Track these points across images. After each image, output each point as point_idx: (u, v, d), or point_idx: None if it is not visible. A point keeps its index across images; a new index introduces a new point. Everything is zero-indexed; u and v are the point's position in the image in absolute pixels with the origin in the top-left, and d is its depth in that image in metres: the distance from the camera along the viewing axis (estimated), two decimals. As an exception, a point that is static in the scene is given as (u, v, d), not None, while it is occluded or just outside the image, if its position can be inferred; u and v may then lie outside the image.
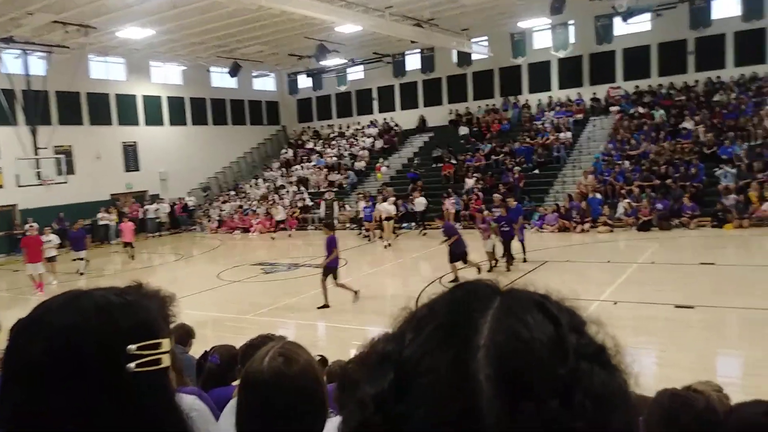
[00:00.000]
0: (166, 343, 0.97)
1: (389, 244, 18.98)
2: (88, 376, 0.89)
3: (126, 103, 28.15)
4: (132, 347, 0.91)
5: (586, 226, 18.82)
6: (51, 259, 16.40)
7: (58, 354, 0.89)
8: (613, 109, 25.98)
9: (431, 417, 0.51)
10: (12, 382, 0.91)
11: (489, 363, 0.52)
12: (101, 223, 25.25)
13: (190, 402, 1.82)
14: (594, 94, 27.10)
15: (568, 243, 17.30)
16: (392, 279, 15.07)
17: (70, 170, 23.62)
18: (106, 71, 27.58)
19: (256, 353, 2.93)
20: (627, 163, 21.69)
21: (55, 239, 16.97)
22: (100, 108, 27.04)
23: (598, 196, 19.95)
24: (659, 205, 18.34)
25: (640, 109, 24.89)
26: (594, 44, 24.84)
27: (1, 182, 23.23)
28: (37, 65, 21.94)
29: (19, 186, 20.62)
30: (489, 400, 0.50)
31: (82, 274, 17.44)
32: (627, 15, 21.54)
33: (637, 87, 26.22)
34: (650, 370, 7.74)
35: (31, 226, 17.20)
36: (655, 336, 8.92)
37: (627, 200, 19.11)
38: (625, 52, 26.52)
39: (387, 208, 19.90)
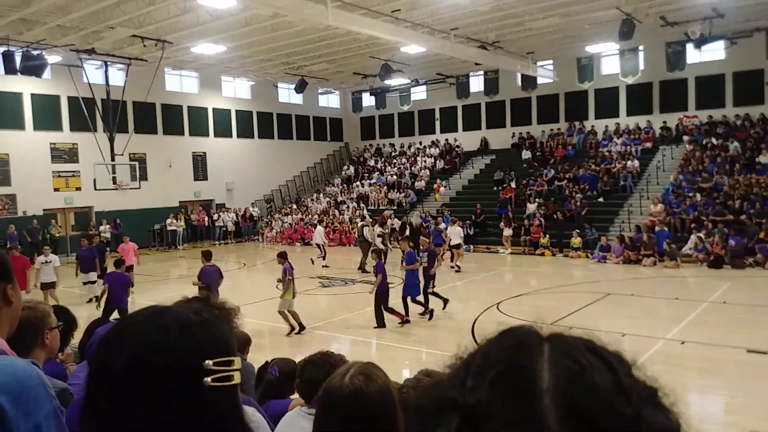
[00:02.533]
0: (237, 361, 1.01)
1: (458, 269, 18.08)
2: (168, 389, 0.93)
3: (197, 115, 29.28)
4: (209, 362, 0.95)
5: (651, 260, 18.11)
6: (48, 286, 13.22)
7: (140, 368, 0.93)
8: (685, 138, 25.06)
9: None
10: (97, 393, 0.95)
11: (557, 407, 0.54)
12: (170, 228, 26.29)
13: (249, 414, 1.86)
14: (664, 122, 26.26)
15: (633, 276, 16.71)
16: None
17: (143, 176, 24.73)
18: (180, 84, 28.82)
19: (314, 369, 2.95)
20: (699, 195, 20.84)
21: (55, 260, 13.62)
22: (173, 119, 28.25)
23: (666, 228, 19.22)
24: (732, 242, 17.46)
25: (714, 140, 23.93)
26: (665, 71, 24.14)
27: (80, 185, 24.56)
28: (116, 76, 23.12)
29: (96, 189, 21.71)
30: None
31: (91, 300, 13.95)
32: (700, 42, 20.84)
33: (710, 117, 25.25)
34: (718, 417, 7.35)
35: (15, 247, 15.01)
36: (724, 380, 8.47)
37: (699, 234, 18.29)
38: (697, 80, 25.64)
39: (456, 231, 18.83)
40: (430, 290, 12.37)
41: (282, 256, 11.57)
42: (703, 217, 19.40)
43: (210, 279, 10.95)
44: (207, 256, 11.46)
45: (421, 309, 12.04)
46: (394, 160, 33.01)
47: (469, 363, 0.63)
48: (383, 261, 11.89)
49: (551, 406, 0.54)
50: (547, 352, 0.60)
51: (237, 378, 1.00)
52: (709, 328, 10.68)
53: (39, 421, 1.32)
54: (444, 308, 12.40)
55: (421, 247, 13.65)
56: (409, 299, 11.79)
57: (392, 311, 11.45)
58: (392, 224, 22.01)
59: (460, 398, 0.58)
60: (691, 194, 21.06)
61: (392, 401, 1.75)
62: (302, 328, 11.11)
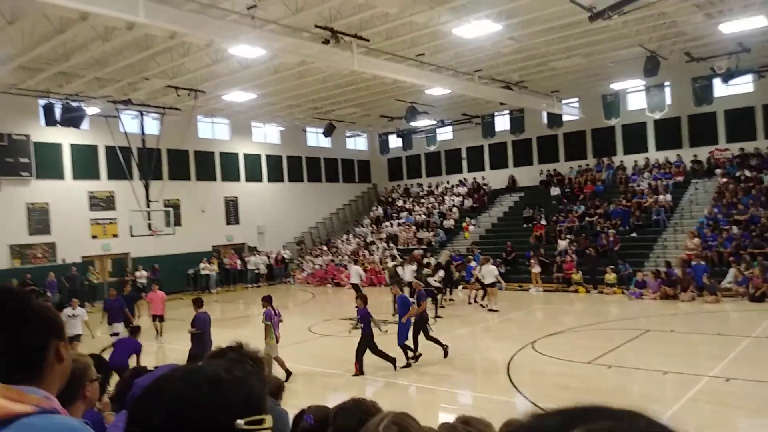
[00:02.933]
0: (269, 420, 1.02)
1: (494, 309, 17.60)
2: None
3: (229, 160, 29.96)
4: (240, 422, 0.97)
5: (689, 294, 17.67)
6: (74, 339, 13.13)
7: (174, 424, 0.95)
8: (717, 171, 24.69)
9: None
10: None
11: None
12: (203, 272, 26.63)
13: None
14: (695, 156, 25.96)
15: (672, 312, 16.30)
16: (477, 342, 14.70)
17: (177, 222, 25.23)
18: (212, 131, 29.62)
19: (346, 416, 2.95)
20: (735, 228, 20.40)
21: (82, 314, 13.75)
22: (206, 165, 28.95)
23: (702, 262, 18.80)
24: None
25: (747, 173, 23.54)
26: (692, 105, 23.99)
27: (117, 232, 25.16)
28: (152, 125, 23.91)
29: (132, 236, 22.23)
30: None
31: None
32: (727, 77, 20.74)
33: (741, 149, 24.88)
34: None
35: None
36: None
37: (738, 267, 17.82)
38: (726, 113, 25.36)
39: (490, 270, 18.13)
40: (429, 333, 11.93)
41: (266, 300, 11.47)
42: (741, 251, 18.94)
43: (203, 325, 11.11)
44: (198, 303, 11.70)
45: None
46: (422, 200, 33.14)
47: None
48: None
49: None
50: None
51: None
52: (754, 365, 10.33)
53: None
54: (445, 357, 11.86)
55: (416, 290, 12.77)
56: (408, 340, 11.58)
57: (384, 356, 11.21)
58: (427, 261, 21.73)
59: None
60: (727, 227, 20.63)
61: None
62: (288, 374, 10.85)
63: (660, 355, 11.38)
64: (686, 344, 12.43)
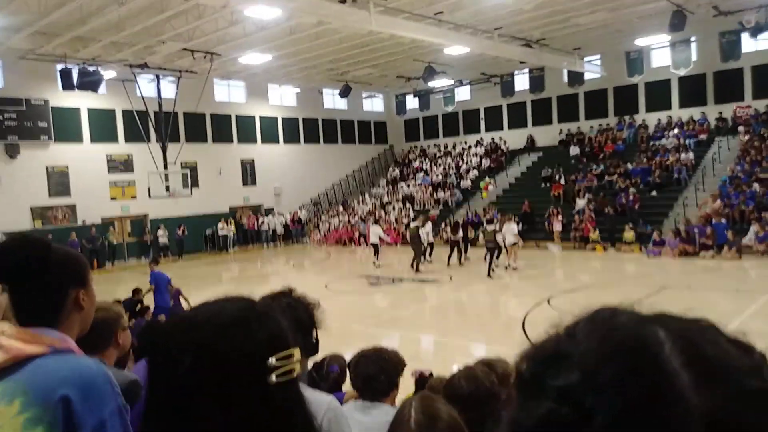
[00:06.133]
0: (296, 353, 1.01)
1: (515, 268, 17.31)
2: (234, 387, 0.94)
3: (245, 123, 29.94)
4: (272, 360, 0.96)
5: (710, 252, 17.51)
6: None
7: (205, 368, 0.94)
8: (740, 129, 24.15)
9: (626, 407, 0.51)
10: (160, 397, 0.97)
11: (679, 355, 0.53)
12: (221, 233, 26.96)
13: (328, 401, 1.85)
14: (720, 113, 25.35)
15: (689, 269, 16.18)
16: (493, 298, 14.77)
17: (195, 184, 25.42)
18: (228, 94, 29.54)
19: (368, 363, 2.98)
20: (757, 186, 20.04)
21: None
22: (223, 127, 28.97)
23: (723, 220, 18.56)
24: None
25: (773, 130, 22.98)
26: (719, 61, 23.29)
27: (135, 194, 25.48)
28: (168, 89, 23.89)
29: (150, 197, 22.51)
30: (688, 386, 0.51)
31: None
32: (756, 31, 20.01)
33: (767, 106, 24.26)
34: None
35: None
36: None
37: (760, 224, 17.58)
38: (754, 69, 24.62)
39: (510, 228, 17.39)
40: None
41: (154, 262, 11.73)
42: (764, 210, 18.63)
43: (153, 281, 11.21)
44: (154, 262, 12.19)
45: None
46: (439, 161, 32.95)
47: (572, 327, 0.61)
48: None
49: (672, 353, 0.53)
50: (651, 317, 0.60)
51: (297, 369, 1.01)
52: (772, 320, 10.27)
53: (104, 418, 1.36)
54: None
55: None
56: None
57: None
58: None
59: (575, 351, 0.57)
60: (749, 185, 20.27)
61: (461, 431, 1.76)
62: None
63: (675, 310, 11.32)
64: (703, 300, 12.35)
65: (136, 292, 10.87)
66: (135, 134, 23.90)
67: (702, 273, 15.61)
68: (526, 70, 28.56)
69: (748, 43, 22.29)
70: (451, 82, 29.63)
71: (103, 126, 24.96)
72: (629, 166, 24.53)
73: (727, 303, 12.01)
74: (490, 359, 3.59)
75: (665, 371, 0.52)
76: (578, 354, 0.56)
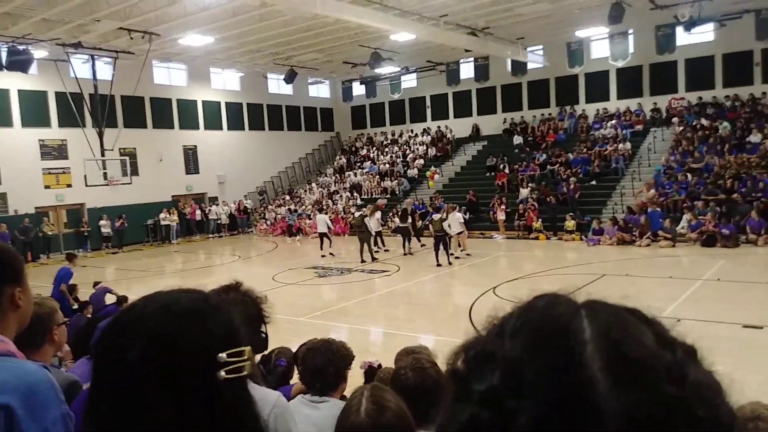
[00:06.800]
0: (248, 351, 0.98)
1: (468, 254, 17.72)
2: (184, 379, 0.90)
3: (187, 107, 29.08)
4: (223, 355, 0.93)
5: (646, 240, 18.23)
6: None
7: (154, 361, 0.90)
8: (674, 120, 25.19)
9: (545, 410, 0.52)
10: (106, 389, 0.92)
11: (600, 356, 0.54)
12: (163, 223, 26.17)
13: (275, 398, 1.88)
14: (655, 104, 26.36)
15: (627, 257, 16.82)
16: (441, 287, 14.96)
17: (135, 172, 24.58)
18: (168, 77, 28.58)
19: (316, 356, 2.96)
20: (690, 176, 20.97)
21: None
22: (163, 112, 28.04)
23: (658, 209, 19.35)
24: (725, 230, 17.35)
25: (704, 121, 24.05)
26: (655, 54, 24.15)
27: (71, 181, 24.37)
28: (104, 70, 22.85)
29: (87, 186, 21.54)
30: (607, 389, 0.52)
31: None
32: (689, 25, 20.81)
33: (700, 98, 25.35)
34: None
35: None
36: (721, 357, 8.16)
37: (692, 213, 18.40)
38: (687, 62, 25.72)
39: (456, 218, 17.53)
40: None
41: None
42: (695, 198, 19.51)
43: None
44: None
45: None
46: (386, 149, 32.96)
47: (504, 321, 0.63)
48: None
49: (593, 355, 0.55)
50: (584, 309, 0.61)
51: (248, 368, 0.98)
52: (704, 306, 10.78)
53: (46, 426, 1.31)
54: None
55: None
56: None
57: None
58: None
59: (499, 351, 0.58)
60: (682, 175, 21.19)
61: (408, 421, 1.81)
62: None
63: (614, 297, 11.69)
64: (640, 287, 12.86)
65: (72, 288, 10.43)
66: (69, 118, 22.78)
67: (639, 261, 16.25)
68: (471, 59, 28.84)
69: (682, 37, 23.15)
70: (398, 69, 29.61)
71: (34, 109, 23.74)
72: (570, 155, 25.21)
73: (662, 289, 12.54)
74: (414, 347, 3.67)
75: (585, 375, 0.53)
76: (502, 354, 0.57)
